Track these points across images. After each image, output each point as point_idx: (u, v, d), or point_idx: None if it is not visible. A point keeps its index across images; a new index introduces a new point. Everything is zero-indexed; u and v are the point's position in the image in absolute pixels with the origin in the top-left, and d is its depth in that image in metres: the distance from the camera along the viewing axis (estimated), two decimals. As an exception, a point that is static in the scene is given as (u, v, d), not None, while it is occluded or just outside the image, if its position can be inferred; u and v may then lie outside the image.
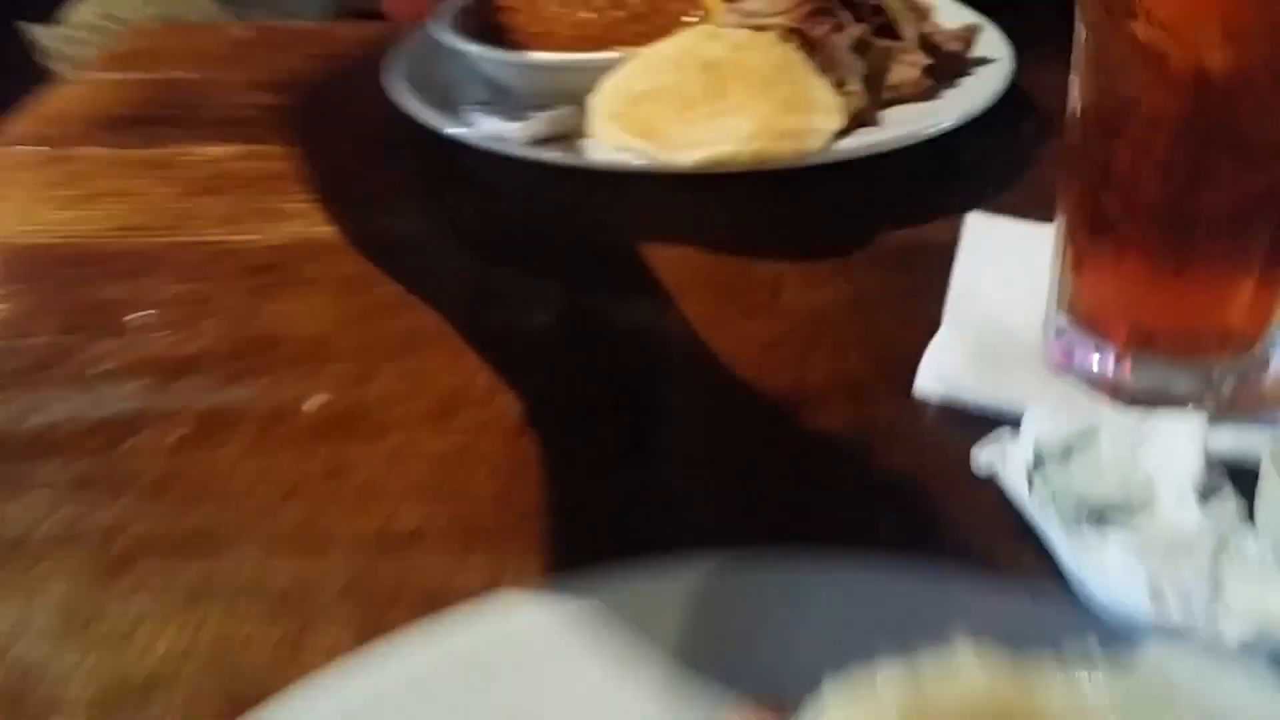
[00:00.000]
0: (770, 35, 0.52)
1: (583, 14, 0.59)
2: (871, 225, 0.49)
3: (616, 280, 0.46)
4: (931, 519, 0.33)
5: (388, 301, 0.45)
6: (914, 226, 0.49)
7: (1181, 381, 0.36)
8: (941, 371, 0.38)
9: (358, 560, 0.32)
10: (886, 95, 0.54)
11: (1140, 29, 0.32)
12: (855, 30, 0.53)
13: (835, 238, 0.48)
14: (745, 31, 0.53)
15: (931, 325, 0.40)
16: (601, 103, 0.50)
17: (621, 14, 0.58)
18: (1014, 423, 0.33)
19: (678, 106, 0.48)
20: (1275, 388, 0.36)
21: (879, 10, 0.55)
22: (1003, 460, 0.32)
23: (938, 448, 0.35)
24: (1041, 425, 0.32)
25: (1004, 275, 0.42)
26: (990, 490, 0.33)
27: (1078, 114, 0.36)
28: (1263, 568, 0.28)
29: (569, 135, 0.51)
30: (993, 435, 0.34)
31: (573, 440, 0.37)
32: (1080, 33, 0.34)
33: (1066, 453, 0.32)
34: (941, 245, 0.46)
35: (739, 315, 0.44)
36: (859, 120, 0.51)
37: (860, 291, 0.45)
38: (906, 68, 0.54)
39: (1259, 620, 0.27)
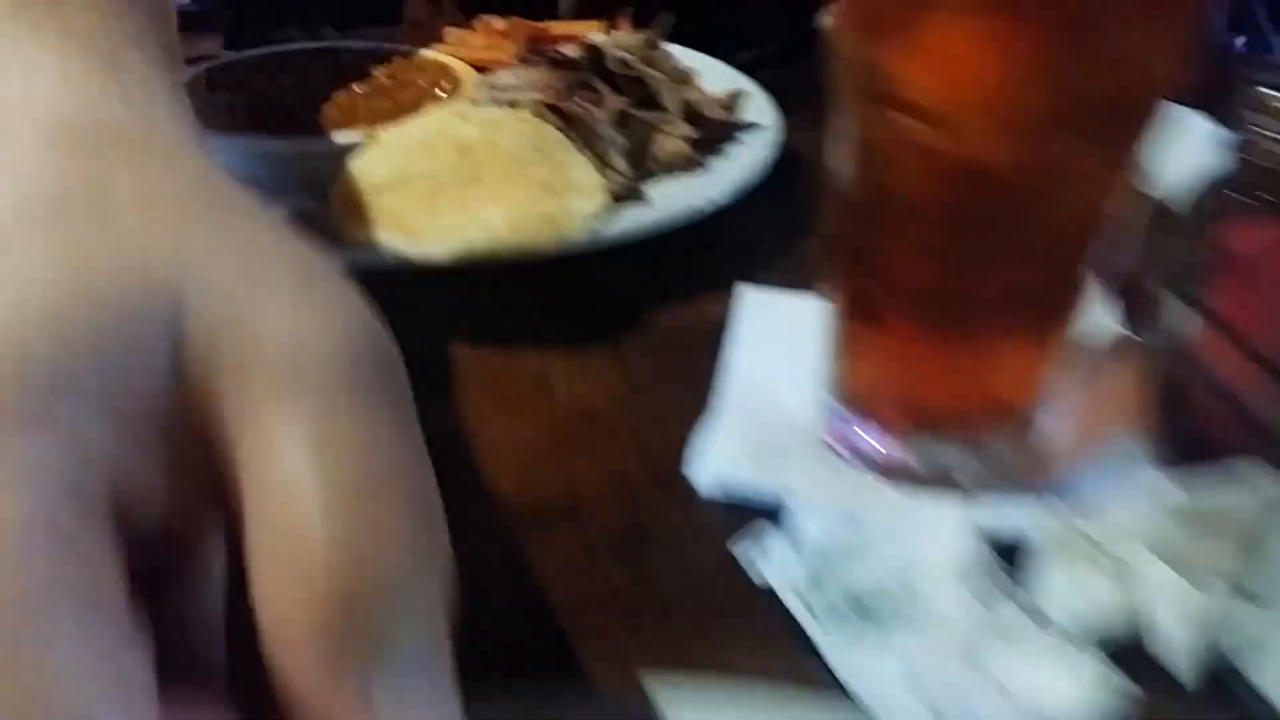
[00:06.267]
0: (525, 112, 0.53)
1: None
2: (643, 308, 0.49)
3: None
4: (708, 628, 0.33)
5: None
6: (687, 305, 0.50)
7: (956, 458, 0.37)
8: (711, 464, 0.38)
9: None
10: (652, 169, 0.55)
11: (904, 121, 0.33)
12: (615, 103, 0.54)
13: (606, 324, 0.48)
14: (499, 109, 0.53)
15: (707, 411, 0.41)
16: (343, 193, 0.48)
17: (363, 89, 0.57)
18: (776, 514, 0.34)
19: (426, 195, 0.47)
20: (1047, 457, 0.38)
21: (639, 81, 0.56)
22: (764, 557, 0.32)
23: (712, 545, 0.36)
24: (805, 520, 0.33)
25: (777, 353, 0.43)
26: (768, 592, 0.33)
27: (839, 198, 0.37)
28: (1033, 644, 0.30)
29: (314, 228, 0.49)
30: (752, 530, 0.34)
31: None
32: (839, 118, 0.35)
33: (830, 548, 0.32)
34: (716, 323, 0.47)
35: (507, 414, 0.44)
36: (625, 197, 0.52)
37: (634, 380, 0.45)
38: (671, 140, 0.55)
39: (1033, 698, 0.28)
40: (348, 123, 0.54)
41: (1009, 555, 0.34)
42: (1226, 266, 0.41)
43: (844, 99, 0.35)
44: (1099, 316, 0.44)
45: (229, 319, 0.18)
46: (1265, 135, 0.38)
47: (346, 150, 0.51)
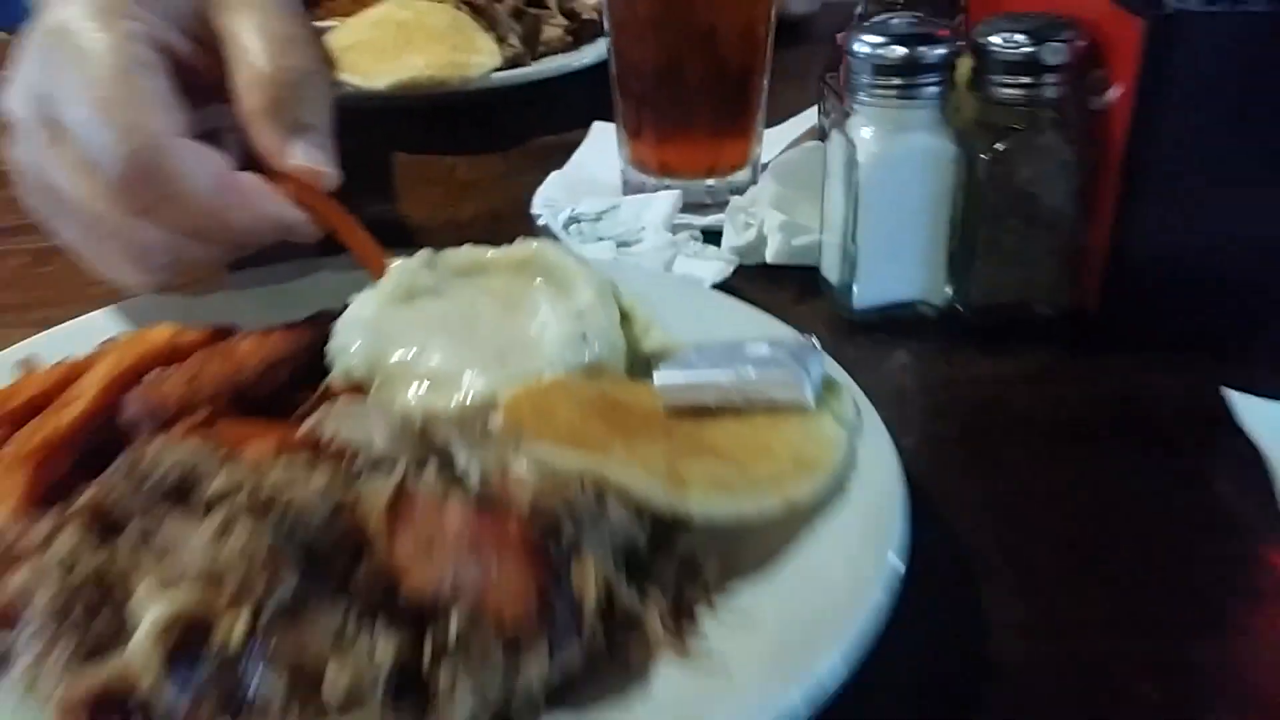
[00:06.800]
0: (448, 5, 0.77)
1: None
2: (521, 133, 0.73)
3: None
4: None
5: None
6: (551, 132, 0.73)
7: (693, 194, 0.61)
8: (545, 197, 0.62)
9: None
10: (539, 50, 0.79)
11: None
12: (509, 3, 0.78)
13: (495, 141, 0.72)
14: (428, 3, 0.77)
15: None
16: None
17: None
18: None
19: (375, 53, 0.71)
20: (751, 201, 0.62)
21: (530, -13, 0.80)
22: (554, 217, 0.57)
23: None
24: (585, 203, 0.57)
25: (598, 151, 0.67)
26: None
27: (613, 38, 0.61)
28: (698, 255, 0.54)
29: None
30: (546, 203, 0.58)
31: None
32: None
33: (598, 215, 0.56)
34: (571, 144, 0.70)
35: (427, 188, 0.68)
36: (515, 64, 0.76)
37: (511, 167, 0.69)
38: (553, 29, 0.79)
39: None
40: (328, 14, 0.79)
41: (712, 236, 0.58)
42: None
43: None
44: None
45: None
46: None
47: (326, 29, 0.75)
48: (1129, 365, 0.48)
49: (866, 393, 0.39)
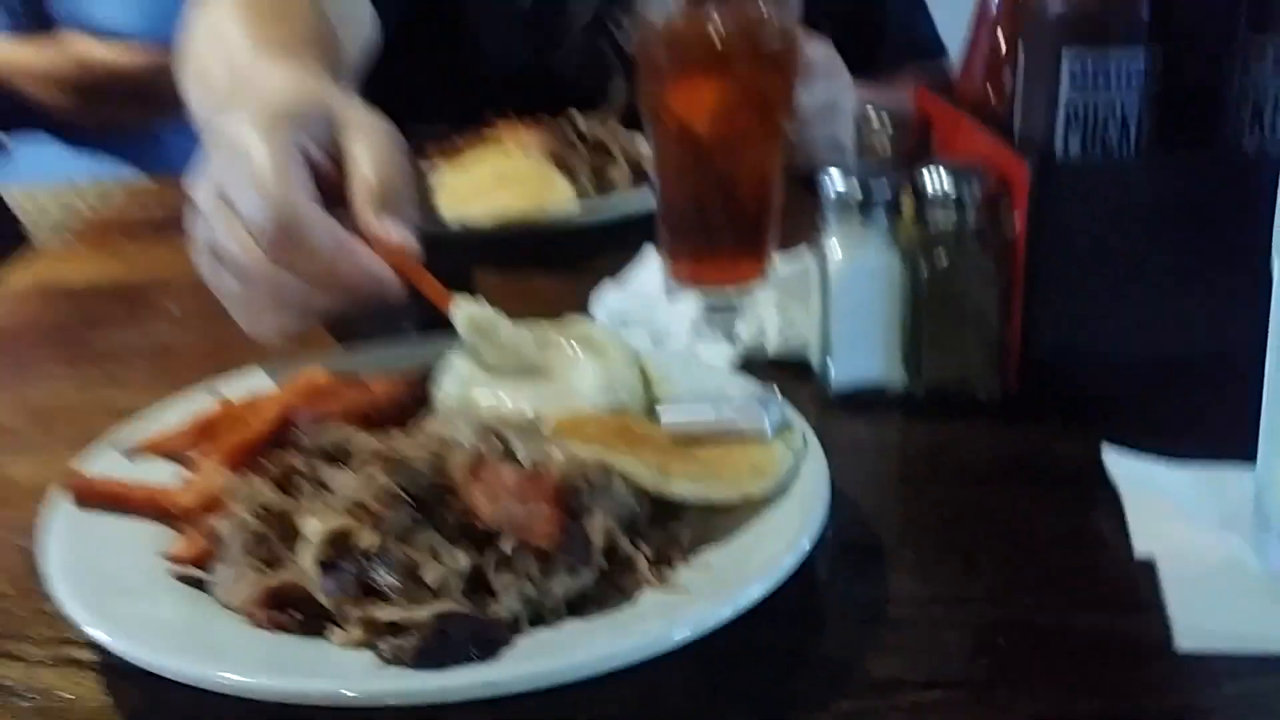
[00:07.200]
0: (535, 157, 0.96)
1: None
2: (592, 256, 0.91)
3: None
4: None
5: None
6: (616, 260, 0.91)
7: (716, 301, 0.77)
8: (602, 300, 0.79)
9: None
10: (609, 191, 0.98)
11: (669, 123, 0.75)
12: (584, 154, 0.98)
13: (567, 263, 0.90)
14: (520, 155, 0.97)
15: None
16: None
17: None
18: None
19: (474, 194, 0.91)
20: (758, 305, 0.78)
21: (600, 142, 1.00)
22: (605, 313, 0.73)
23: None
24: (631, 304, 0.74)
25: (647, 268, 0.84)
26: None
27: (653, 180, 0.79)
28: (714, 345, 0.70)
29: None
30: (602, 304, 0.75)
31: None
32: (645, 127, 0.78)
33: (640, 313, 0.73)
34: (629, 263, 0.87)
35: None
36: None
37: (583, 284, 0.87)
38: (619, 174, 0.98)
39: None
40: (440, 161, 0.99)
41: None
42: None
43: (644, 114, 0.77)
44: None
45: (346, 116, 0.64)
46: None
47: (436, 173, 0.95)
48: (1039, 431, 0.62)
49: (836, 449, 0.53)
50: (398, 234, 0.60)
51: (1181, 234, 0.59)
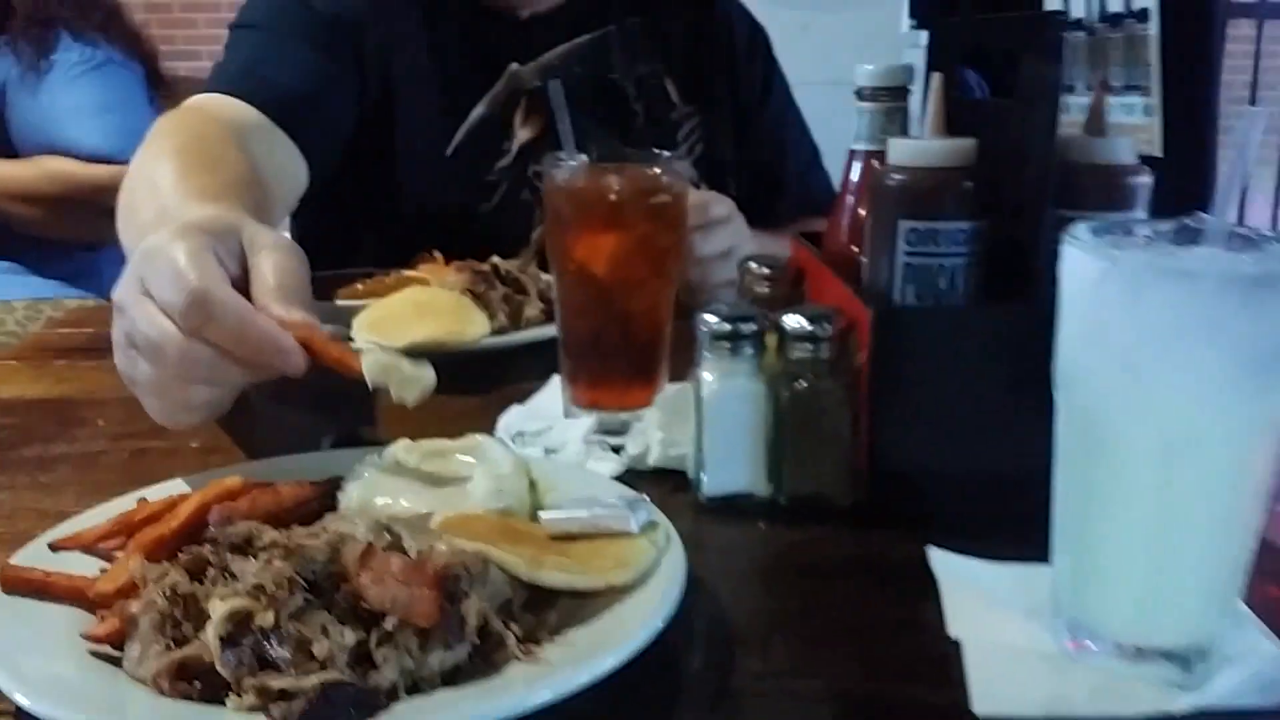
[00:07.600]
0: (455, 292, 1.05)
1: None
2: (501, 380, 0.99)
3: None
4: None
5: None
6: (527, 383, 0.99)
7: (609, 422, 0.85)
8: (505, 421, 0.86)
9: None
10: (522, 324, 1.06)
11: (571, 267, 0.84)
12: (501, 290, 1.07)
13: (480, 387, 0.98)
14: (439, 289, 1.05)
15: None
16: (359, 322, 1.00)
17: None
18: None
19: (395, 322, 0.98)
20: (645, 424, 0.86)
21: (518, 280, 1.09)
22: (507, 433, 0.81)
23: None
24: (530, 423, 0.81)
25: (550, 393, 0.92)
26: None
27: (559, 312, 0.87)
28: (604, 459, 0.77)
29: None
30: (505, 425, 0.83)
31: None
32: (554, 272, 0.87)
33: (538, 431, 0.80)
34: (536, 390, 0.95)
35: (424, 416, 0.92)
36: (501, 333, 1.03)
37: (486, 408, 0.94)
38: (532, 309, 1.07)
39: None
40: (364, 295, 1.07)
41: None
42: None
43: (550, 258, 0.86)
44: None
45: (254, 235, 0.71)
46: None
47: (359, 306, 1.03)
48: (881, 534, 0.70)
49: (705, 549, 0.61)
50: (299, 315, 0.67)
51: (998, 370, 0.69)
